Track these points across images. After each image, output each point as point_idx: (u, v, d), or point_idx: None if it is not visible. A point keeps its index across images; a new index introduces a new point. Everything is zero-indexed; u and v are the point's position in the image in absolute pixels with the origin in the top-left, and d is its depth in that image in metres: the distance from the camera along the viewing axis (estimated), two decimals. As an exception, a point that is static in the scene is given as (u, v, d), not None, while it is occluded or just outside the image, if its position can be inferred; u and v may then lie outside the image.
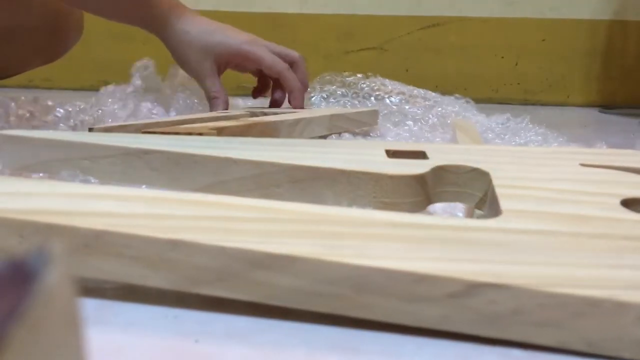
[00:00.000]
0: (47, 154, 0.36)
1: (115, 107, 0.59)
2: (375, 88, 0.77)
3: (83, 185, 0.30)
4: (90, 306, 0.25)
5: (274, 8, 1.22)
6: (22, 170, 0.36)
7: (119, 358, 0.21)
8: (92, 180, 0.35)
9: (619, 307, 0.21)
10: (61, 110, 0.55)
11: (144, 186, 0.34)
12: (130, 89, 0.64)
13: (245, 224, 0.25)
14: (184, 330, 0.23)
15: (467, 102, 0.78)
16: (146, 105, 0.60)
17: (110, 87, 0.64)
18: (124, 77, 0.84)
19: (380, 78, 0.81)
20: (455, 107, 0.75)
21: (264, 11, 1.21)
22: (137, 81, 0.65)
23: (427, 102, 0.69)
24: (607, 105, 1.19)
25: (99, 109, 0.58)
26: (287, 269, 0.23)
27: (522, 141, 0.64)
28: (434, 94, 0.77)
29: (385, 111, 0.74)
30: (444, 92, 1.19)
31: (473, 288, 0.21)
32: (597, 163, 0.35)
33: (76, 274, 0.24)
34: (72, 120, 0.55)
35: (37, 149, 0.36)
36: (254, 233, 0.24)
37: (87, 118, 0.56)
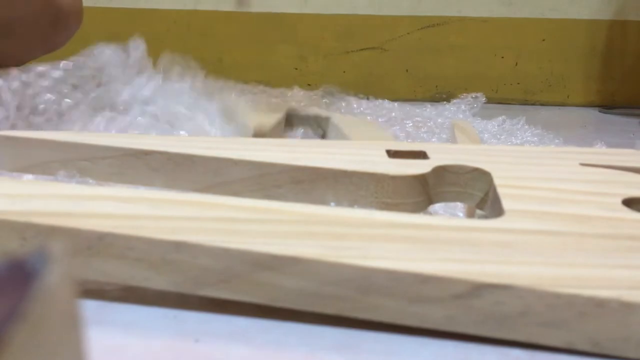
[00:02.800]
0: (46, 155, 0.35)
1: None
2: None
3: (85, 187, 0.30)
4: (90, 306, 0.25)
5: (274, 8, 1.22)
6: (22, 171, 0.36)
7: (119, 358, 0.21)
8: (90, 181, 0.35)
9: (625, 308, 0.21)
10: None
11: (141, 187, 0.34)
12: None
13: (249, 225, 0.24)
14: (184, 330, 0.23)
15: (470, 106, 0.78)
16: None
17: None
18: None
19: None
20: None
21: (264, 11, 1.21)
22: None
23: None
24: (607, 105, 1.19)
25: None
26: (290, 270, 0.23)
27: (518, 141, 0.64)
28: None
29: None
30: (444, 92, 1.19)
31: (478, 289, 0.21)
32: (597, 163, 0.35)
33: (79, 276, 0.24)
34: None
35: (36, 150, 0.36)
36: (258, 234, 0.24)
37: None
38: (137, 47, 0.61)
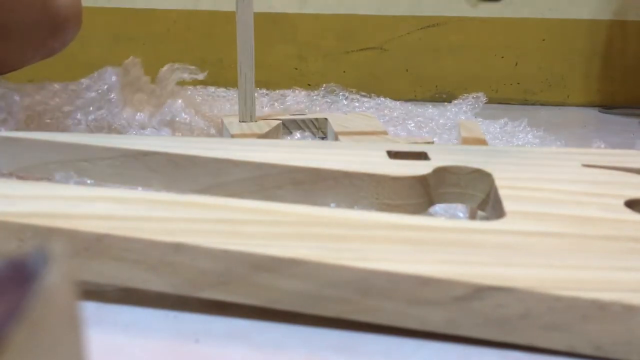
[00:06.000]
0: (46, 156, 0.35)
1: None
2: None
3: (83, 188, 0.30)
4: (90, 307, 0.25)
5: (274, 8, 1.22)
6: (21, 172, 0.36)
7: (119, 358, 0.21)
8: (88, 182, 0.35)
9: (628, 310, 0.20)
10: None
11: (139, 188, 0.34)
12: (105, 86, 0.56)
13: (248, 226, 0.24)
14: (184, 331, 0.23)
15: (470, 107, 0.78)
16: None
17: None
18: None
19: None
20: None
21: (264, 11, 1.20)
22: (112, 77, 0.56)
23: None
24: (607, 105, 1.19)
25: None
26: (290, 272, 0.22)
27: (519, 143, 0.64)
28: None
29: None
30: (444, 92, 1.19)
31: (479, 291, 0.21)
32: (599, 164, 0.35)
33: (77, 278, 0.24)
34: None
35: (36, 151, 0.35)
36: (257, 236, 0.24)
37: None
38: (135, 65, 0.62)
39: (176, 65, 0.67)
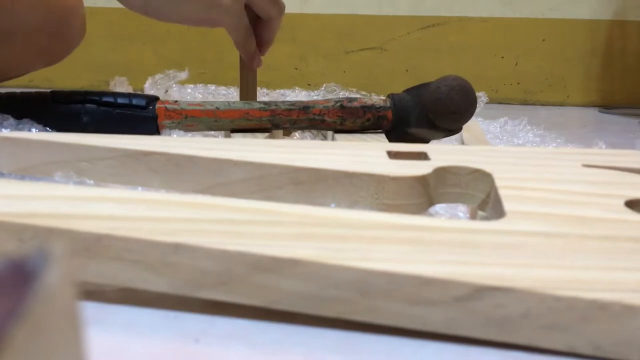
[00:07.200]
0: (45, 156, 0.35)
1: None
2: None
3: (83, 188, 0.30)
4: (90, 307, 0.25)
5: (273, 8, 1.21)
6: (21, 172, 0.36)
7: (119, 358, 0.21)
8: (88, 182, 0.35)
9: (628, 311, 0.20)
10: None
11: (139, 188, 0.34)
12: None
13: (248, 226, 0.24)
14: (184, 330, 0.23)
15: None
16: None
17: None
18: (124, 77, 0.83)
19: None
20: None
21: (264, 11, 1.20)
22: None
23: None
24: (607, 105, 1.19)
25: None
26: (290, 272, 0.22)
27: (520, 142, 0.64)
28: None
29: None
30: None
31: (480, 291, 0.21)
32: (599, 164, 0.35)
33: (77, 278, 0.24)
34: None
35: (36, 151, 0.35)
36: (257, 236, 0.24)
37: None
38: (122, 83, 0.63)
39: (157, 76, 0.67)
